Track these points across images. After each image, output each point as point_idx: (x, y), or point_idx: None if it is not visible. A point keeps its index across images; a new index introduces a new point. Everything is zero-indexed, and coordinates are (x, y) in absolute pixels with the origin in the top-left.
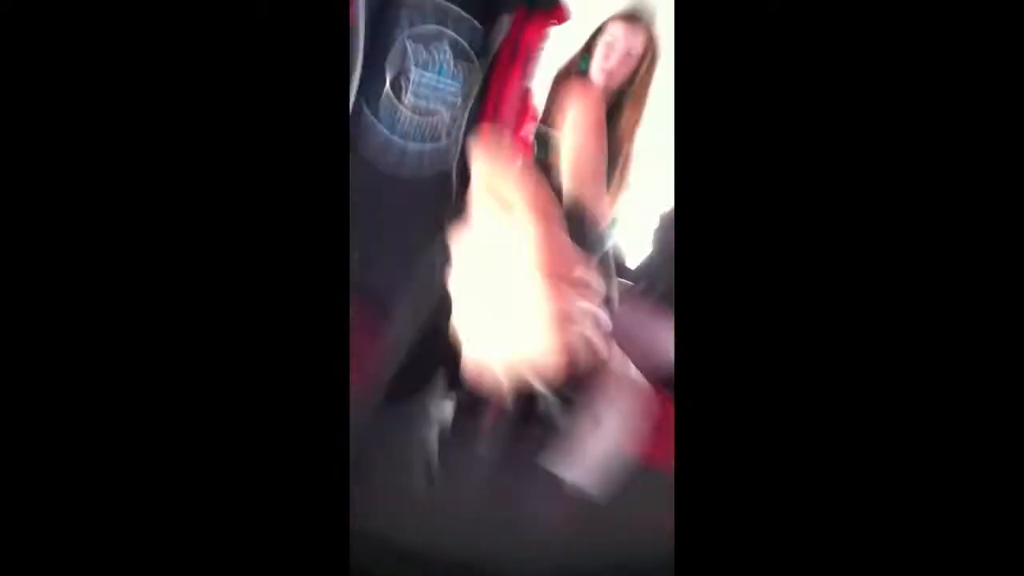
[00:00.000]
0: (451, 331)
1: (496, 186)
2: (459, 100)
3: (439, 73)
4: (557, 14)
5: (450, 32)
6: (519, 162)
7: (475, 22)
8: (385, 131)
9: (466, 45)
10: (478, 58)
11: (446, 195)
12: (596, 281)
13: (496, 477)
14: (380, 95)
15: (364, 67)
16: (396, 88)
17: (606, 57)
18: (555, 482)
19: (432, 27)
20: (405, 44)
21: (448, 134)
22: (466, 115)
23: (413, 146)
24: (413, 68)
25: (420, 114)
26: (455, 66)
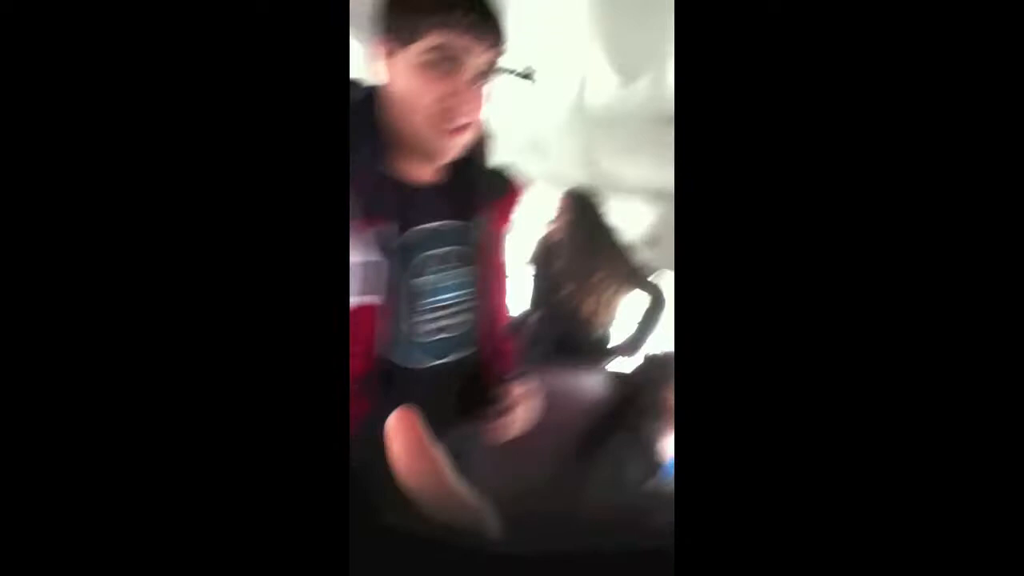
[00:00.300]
0: None
1: None
2: (468, 298)
3: (447, 290)
4: (515, 191)
5: (442, 249)
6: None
7: (465, 224)
8: (418, 355)
9: (458, 249)
10: (468, 250)
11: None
12: None
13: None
14: (406, 334)
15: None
16: (419, 325)
17: None
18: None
19: (430, 254)
20: (411, 285)
21: (464, 324)
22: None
23: (440, 360)
24: (427, 299)
25: (441, 331)
26: (456, 273)
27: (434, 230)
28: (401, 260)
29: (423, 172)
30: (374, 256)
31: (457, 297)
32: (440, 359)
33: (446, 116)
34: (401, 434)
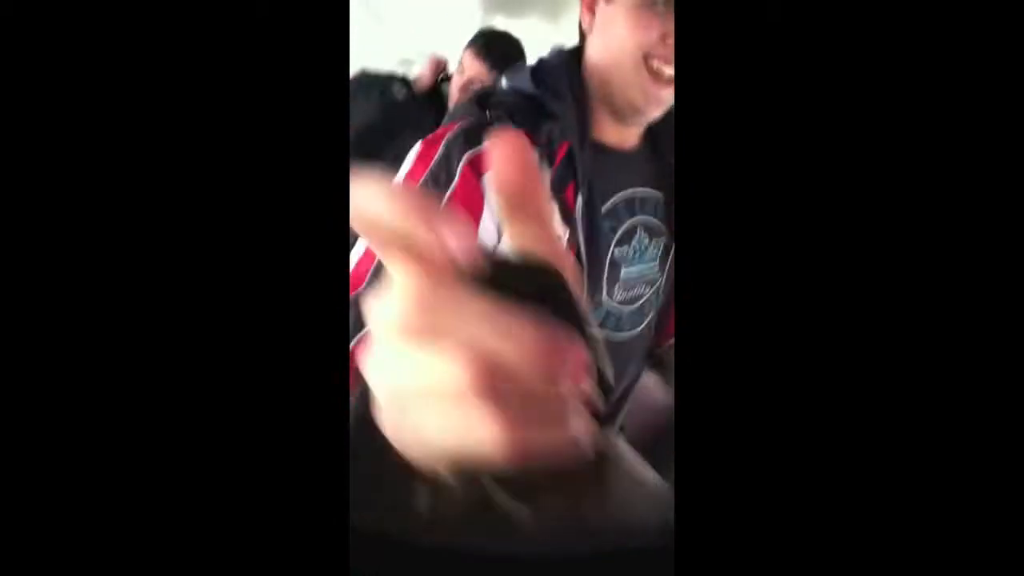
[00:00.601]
0: None
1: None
2: (658, 272)
3: (641, 261)
4: None
5: (640, 217)
6: None
7: (657, 194)
8: (612, 323)
9: (656, 221)
10: (664, 224)
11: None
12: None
13: None
14: (599, 303)
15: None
16: (611, 294)
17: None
18: None
19: (628, 223)
20: (612, 252)
21: (649, 302)
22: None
23: (623, 335)
24: (623, 269)
25: (630, 303)
26: (651, 245)
27: (633, 198)
28: (601, 228)
29: (625, 136)
30: (575, 225)
31: (652, 267)
32: (633, 329)
33: (658, 64)
34: (512, 152)
